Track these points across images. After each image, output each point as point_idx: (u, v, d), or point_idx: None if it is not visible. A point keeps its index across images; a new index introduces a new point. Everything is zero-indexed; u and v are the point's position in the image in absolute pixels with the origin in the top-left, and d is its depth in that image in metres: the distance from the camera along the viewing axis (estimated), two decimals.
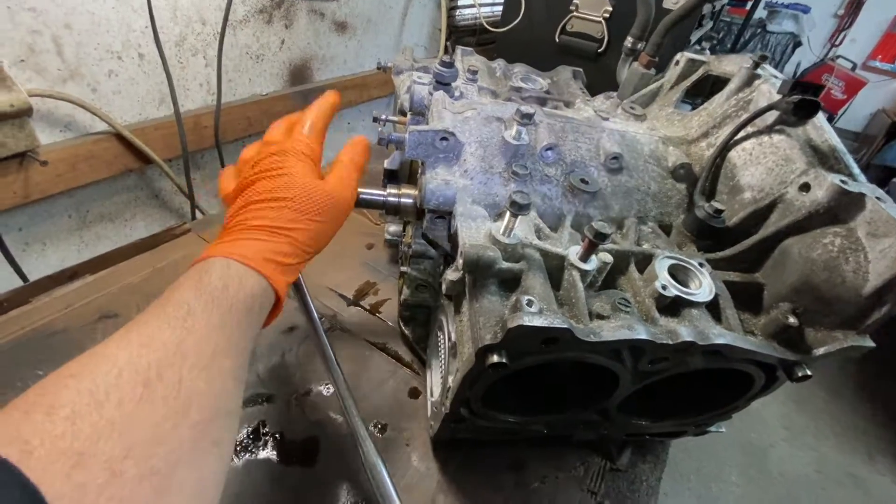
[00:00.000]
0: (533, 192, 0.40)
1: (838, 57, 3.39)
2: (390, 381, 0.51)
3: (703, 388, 0.43)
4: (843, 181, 0.35)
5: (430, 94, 0.46)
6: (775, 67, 3.61)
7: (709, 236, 0.41)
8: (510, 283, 0.34)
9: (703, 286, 0.36)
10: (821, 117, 0.40)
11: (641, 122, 0.50)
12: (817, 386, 2.07)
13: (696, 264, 0.38)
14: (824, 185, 0.35)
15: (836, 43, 3.56)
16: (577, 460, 0.48)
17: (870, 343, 0.34)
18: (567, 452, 0.48)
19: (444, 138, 0.40)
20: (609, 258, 0.36)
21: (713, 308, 0.36)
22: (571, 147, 0.43)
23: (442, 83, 0.47)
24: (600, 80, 1.06)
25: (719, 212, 0.40)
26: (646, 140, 0.46)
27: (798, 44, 3.37)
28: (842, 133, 3.39)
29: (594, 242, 0.33)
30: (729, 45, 3.58)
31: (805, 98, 0.35)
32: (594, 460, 0.48)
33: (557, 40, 1.09)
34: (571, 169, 0.42)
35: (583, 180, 0.41)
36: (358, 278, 0.63)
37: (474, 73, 0.53)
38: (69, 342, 0.49)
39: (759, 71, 0.45)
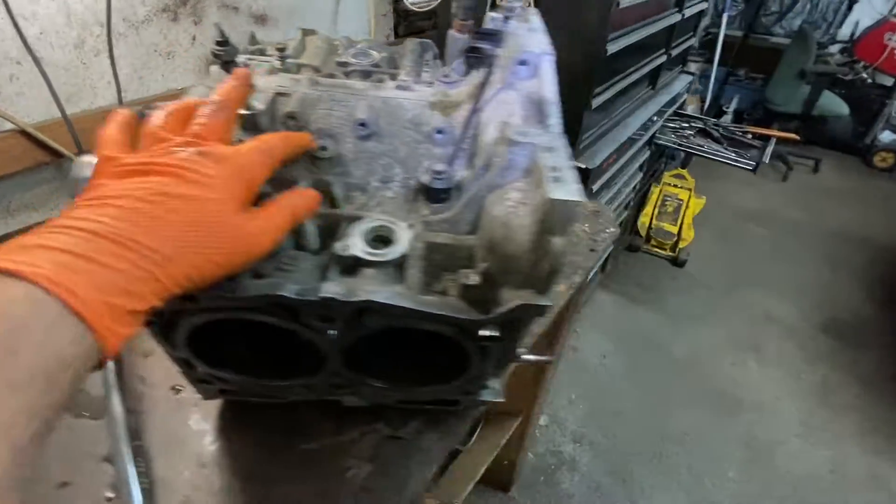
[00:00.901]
0: None
1: None
2: None
3: (436, 356, 0.42)
4: (520, 133, 0.33)
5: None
6: (828, 28, 3.23)
7: (440, 199, 0.40)
8: None
9: (396, 248, 0.36)
10: (545, 69, 0.37)
11: (430, 88, 0.49)
12: (851, 378, 1.87)
13: (403, 227, 0.37)
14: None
15: None
16: (363, 426, 0.49)
17: (546, 301, 0.33)
18: (353, 419, 0.49)
19: None
20: None
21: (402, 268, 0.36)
22: (321, 115, 0.44)
23: (224, 60, 0.49)
24: None
25: (438, 173, 0.39)
26: (411, 106, 0.45)
27: (855, 0, 2.98)
28: None
29: None
30: (774, 6, 3.23)
31: (473, 47, 0.34)
32: (378, 427, 0.49)
33: None
34: (318, 136, 0.43)
35: (322, 147, 0.42)
36: None
37: (282, 50, 0.54)
38: None
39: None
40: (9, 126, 0.73)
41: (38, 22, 0.70)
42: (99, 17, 0.76)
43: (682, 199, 2.58)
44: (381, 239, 0.37)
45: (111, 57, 0.77)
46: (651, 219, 2.51)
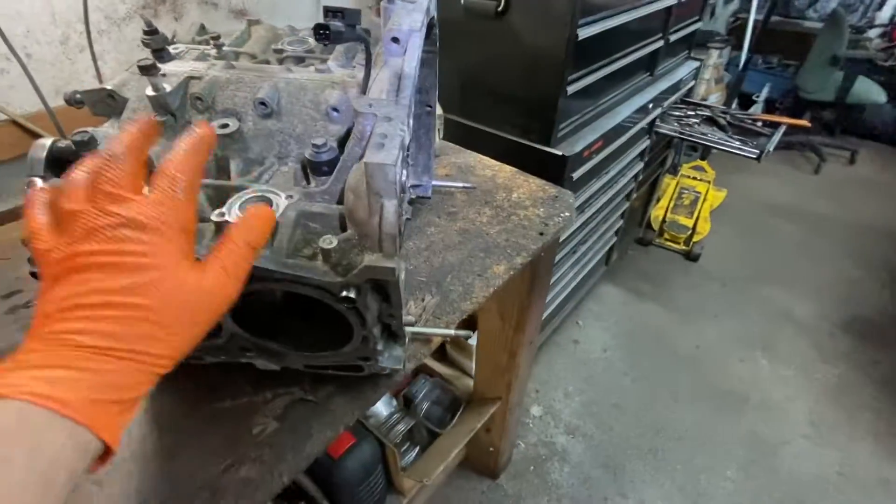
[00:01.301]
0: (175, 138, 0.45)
1: None
2: None
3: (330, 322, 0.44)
4: (364, 104, 0.35)
5: None
6: (865, 11, 3.01)
7: (323, 172, 0.42)
8: None
9: None
10: (412, 45, 0.39)
11: (345, 70, 0.52)
12: (868, 379, 1.77)
13: (281, 197, 0.40)
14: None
15: None
16: (279, 388, 0.52)
17: (390, 264, 0.35)
18: (272, 383, 0.53)
19: (109, 95, 0.47)
20: None
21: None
22: (227, 96, 0.47)
23: (152, 48, 0.53)
24: (503, 42, 1.03)
25: (318, 147, 0.41)
26: (313, 86, 0.48)
27: None
28: None
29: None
30: None
31: (318, 24, 0.36)
32: (293, 391, 0.52)
33: (462, 2, 1.07)
34: (222, 115, 0.46)
35: (222, 125, 0.45)
36: None
37: (216, 38, 0.58)
38: None
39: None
40: (2, 117, 0.80)
41: (24, 21, 0.77)
42: (81, 15, 0.82)
43: (699, 192, 2.49)
44: None
45: (92, 53, 0.83)
46: (665, 212, 2.44)
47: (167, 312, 0.26)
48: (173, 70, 0.48)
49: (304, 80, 0.48)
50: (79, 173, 0.28)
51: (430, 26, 0.57)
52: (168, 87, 0.45)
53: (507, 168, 0.94)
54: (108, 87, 0.47)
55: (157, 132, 0.32)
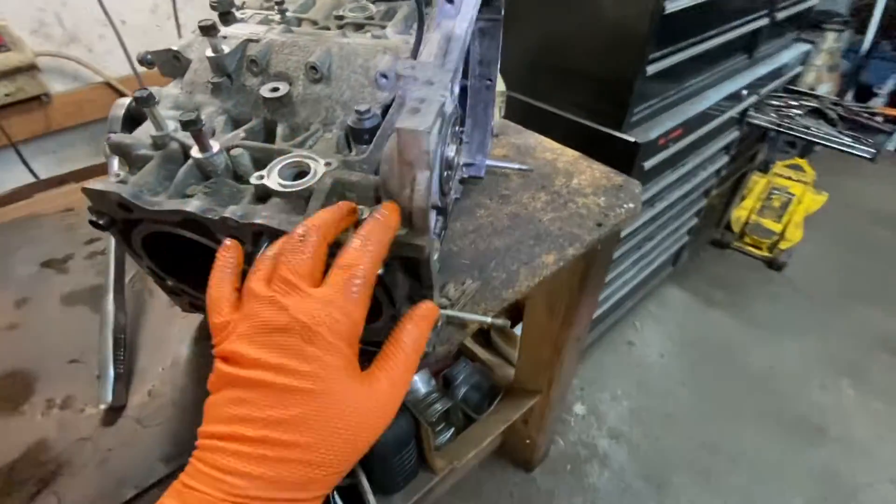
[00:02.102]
0: (229, 100, 0.46)
1: None
2: None
3: None
4: (405, 67, 0.32)
5: None
6: None
7: (363, 140, 0.41)
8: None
9: (304, 182, 0.38)
10: (466, 6, 0.36)
11: (402, 36, 0.49)
12: None
13: (321, 164, 0.39)
14: None
15: None
16: None
17: (419, 241, 0.33)
18: None
19: (175, 56, 0.48)
20: (237, 151, 0.40)
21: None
22: (281, 60, 0.47)
23: (219, 11, 0.54)
24: (579, 13, 0.96)
25: (360, 114, 0.39)
26: (364, 52, 0.46)
27: None
28: None
29: (194, 133, 0.38)
30: None
31: None
32: None
33: None
34: (274, 79, 0.46)
35: (274, 88, 0.45)
36: None
37: (280, 3, 0.58)
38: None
39: None
40: (98, 79, 0.87)
41: None
42: None
43: (793, 194, 2.22)
44: (299, 174, 0.39)
45: (176, 19, 0.88)
46: (750, 213, 2.21)
47: (328, 450, 0.23)
48: (234, 33, 0.48)
49: (357, 45, 0.47)
50: (271, 249, 0.28)
51: None
52: (227, 49, 0.46)
53: (571, 152, 0.88)
54: (174, 49, 0.48)
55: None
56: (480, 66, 0.65)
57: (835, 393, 1.64)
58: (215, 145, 0.40)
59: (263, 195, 0.38)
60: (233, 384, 0.24)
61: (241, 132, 0.44)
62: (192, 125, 0.37)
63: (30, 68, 0.78)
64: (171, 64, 0.49)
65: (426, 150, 0.28)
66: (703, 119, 1.22)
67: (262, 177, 0.38)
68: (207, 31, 0.44)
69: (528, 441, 1.36)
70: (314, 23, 0.62)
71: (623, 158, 1.06)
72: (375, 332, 0.46)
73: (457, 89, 0.35)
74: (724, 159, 1.54)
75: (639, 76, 0.96)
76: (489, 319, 0.54)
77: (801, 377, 1.69)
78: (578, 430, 1.59)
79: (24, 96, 0.80)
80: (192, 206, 0.36)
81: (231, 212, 0.36)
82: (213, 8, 0.54)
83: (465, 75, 0.65)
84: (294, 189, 0.37)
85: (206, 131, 0.39)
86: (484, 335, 1.46)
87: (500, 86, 0.87)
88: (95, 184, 0.37)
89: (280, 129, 0.44)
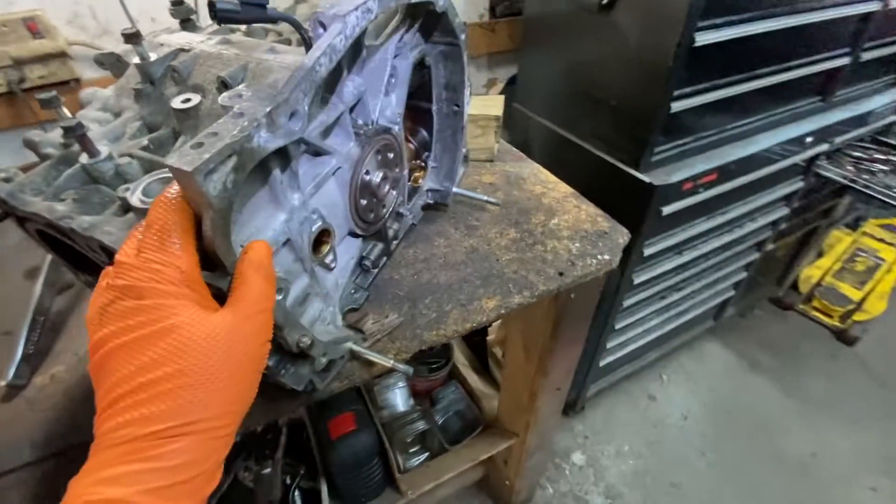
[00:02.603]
0: (147, 107, 0.47)
1: None
2: None
3: None
4: (227, 97, 0.30)
5: None
6: None
7: None
8: None
9: None
10: (327, 33, 0.32)
11: None
12: None
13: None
14: None
15: None
16: None
17: (220, 284, 0.30)
18: None
19: (118, 59, 0.50)
20: (124, 160, 0.40)
21: None
22: (201, 72, 0.46)
23: (180, 19, 0.55)
24: (604, 41, 0.89)
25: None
26: (279, 69, 0.44)
27: None
28: None
29: (76, 138, 0.39)
30: None
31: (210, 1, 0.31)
32: None
33: None
34: (191, 90, 0.46)
35: (185, 100, 0.44)
36: None
37: None
38: None
39: None
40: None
41: None
42: None
43: (883, 259, 1.92)
44: None
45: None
46: (825, 274, 1.94)
47: (205, 370, 0.25)
48: (170, 41, 0.49)
49: (275, 63, 0.45)
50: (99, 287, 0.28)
51: (437, 15, 0.49)
52: (154, 57, 0.47)
53: (564, 187, 0.81)
54: (117, 53, 0.50)
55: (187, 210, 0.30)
56: (447, 91, 0.62)
57: (886, 499, 1.38)
58: (104, 151, 0.40)
59: (128, 208, 0.38)
60: (100, 367, 0.26)
61: (144, 140, 0.44)
62: (70, 132, 0.37)
63: (61, 55, 0.87)
64: (117, 66, 0.51)
65: (200, 191, 0.25)
66: (749, 164, 1.07)
67: (127, 189, 0.38)
68: (130, 39, 0.45)
69: (507, 482, 1.28)
70: (279, 34, 0.62)
71: (638, 201, 0.96)
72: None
73: (296, 124, 0.32)
74: (783, 211, 1.36)
75: (660, 113, 0.86)
76: (391, 363, 0.50)
77: (848, 473, 1.44)
78: (572, 481, 1.48)
79: (55, 80, 0.89)
80: (49, 210, 0.37)
81: (78, 223, 0.35)
82: (172, 15, 0.55)
83: (428, 99, 0.61)
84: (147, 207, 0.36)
85: (95, 137, 0.40)
86: (481, 361, 1.40)
87: (496, 111, 0.82)
88: None
89: (181, 141, 0.44)
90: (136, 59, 0.46)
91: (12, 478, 0.43)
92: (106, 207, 0.39)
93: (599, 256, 0.66)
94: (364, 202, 0.50)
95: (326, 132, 0.43)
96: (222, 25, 0.55)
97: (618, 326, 1.28)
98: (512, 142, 1.34)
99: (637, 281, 1.13)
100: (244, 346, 0.27)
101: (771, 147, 1.09)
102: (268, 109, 0.29)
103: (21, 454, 0.44)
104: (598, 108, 0.99)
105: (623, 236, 0.70)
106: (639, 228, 0.99)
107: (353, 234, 0.53)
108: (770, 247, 1.51)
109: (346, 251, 0.53)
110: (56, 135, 0.44)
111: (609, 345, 1.35)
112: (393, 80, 0.50)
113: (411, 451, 1.21)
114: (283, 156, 0.36)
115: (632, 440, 1.56)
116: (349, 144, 0.46)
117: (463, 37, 0.55)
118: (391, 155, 0.52)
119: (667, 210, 0.98)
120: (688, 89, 0.87)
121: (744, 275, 1.55)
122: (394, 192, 0.56)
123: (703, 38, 0.78)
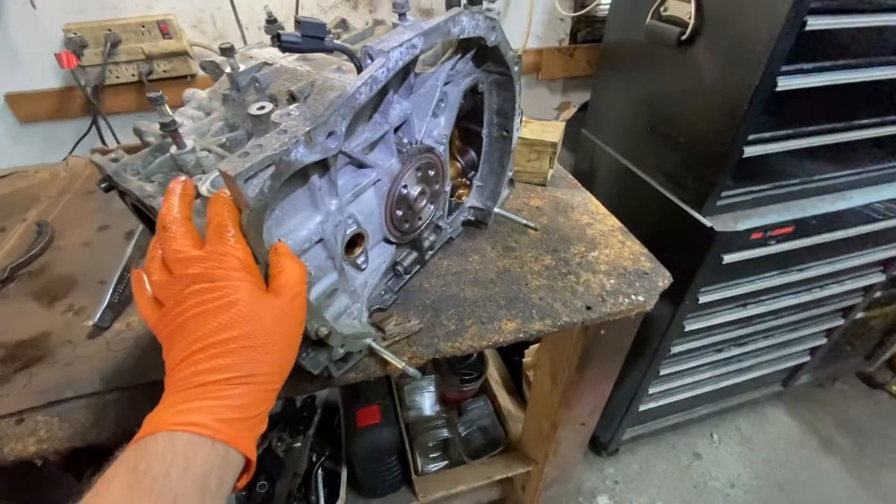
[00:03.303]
0: (231, 110, 0.54)
1: None
2: None
3: None
4: (278, 115, 0.35)
5: None
6: None
7: None
8: None
9: None
10: (373, 64, 0.36)
11: None
12: None
13: None
14: None
15: None
16: None
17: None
18: None
19: (217, 67, 0.59)
20: (203, 154, 0.48)
21: None
22: (278, 84, 0.53)
23: (272, 35, 0.63)
24: (680, 77, 0.87)
25: None
26: (339, 86, 0.49)
27: None
28: None
29: (169, 132, 0.47)
30: None
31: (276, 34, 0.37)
32: None
33: (646, 24, 0.92)
34: (267, 99, 0.52)
35: (260, 107, 0.51)
36: None
37: (336, 30, 0.65)
38: None
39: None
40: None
41: (261, 2, 1.01)
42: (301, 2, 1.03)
43: None
44: None
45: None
46: None
47: (260, 335, 0.31)
48: (258, 55, 0.57)
49: (336, 81, 0.51)
50: (152, 250, 0.37)
51: (488, 49, 0.52)
52: (242, 68, 0.54)
53: (612, 221, 0.80)
54: (216, 61, 0.59)
55: (192, 193, 0.39)
56: (498, 117, 0.64)
57: None
58: (189, 144, 0.48)
59: (197, 195, 0.45)
60: (174, 334, 0.32)
61: (223, 138, 0.51)
62: (165, 126, 0.45)
63: (183, 54, 1.01)
64: (215, 72, 0.60)
65: (240, 192, 0.30)
66: (836, 221, 0.98)
67: (199, 179, 0.45)
68: (225, 52, 0.53)
69: None
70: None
71: (696, 244, 0.92)
72: None
73: (333, 143, 0.37)
74: (879, 278, 1.21)
75: (731, 156, 0.82)
76: (402, 365, 0.53)
77: None
78: None
79: (176, 74, 1.04)
80: (139, 189, 0.45)
81: (159, 202, 0.43)
82: (265, 31, 0.64)
83: (479, 123, 0.65)
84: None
85: (186, 131, 0.47)
86: (515, 382, 1.40)
87: (553, 137, 0.83)
88: (98, 157, 0.48)
89: (251, 143, 0.51)
90: (228, 69, 0.54)
91: (82, 402, 0.52)
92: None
93: (633, 297, 0.65)
94: (400, 213, 0.54)
95: (370, 147, 0.48)
96: None
97: (663, 372, 1.22)
98: (576, 168, 1.33)
99: (689, 328, 1.07)
100: (290, 321, 0.34)
101: (869, 204, 0.98)
102: (307, 129, 0.34)
103: (93, 384, 0.54)
104: (665, 143, 0.96)
105: (664, 279, 0.68)
106: (693, 274, 0.94)
107: (387, 241, 0.57)
108: (860, 315, 1.35)
109: (378, 255, 0.58)
110: (157, 127, 0.53)
111: (652, 390, 1.28)
112: (442, 104, 0.54)
113: (431, 455, 1.24)
114: (322, 165, 0.41)
115: (667, 496, 1.46)
116: (391, 160, 0.50)
117: (516, 68, 0.57)
118: (432, 172, 0.56)
119: (728, 258, 0.92)
120: (766, 134, 0.82)
121: (823, 341, 1.39)
122: (431, 207, 0.59)
123: (786, 83, 0.73)
